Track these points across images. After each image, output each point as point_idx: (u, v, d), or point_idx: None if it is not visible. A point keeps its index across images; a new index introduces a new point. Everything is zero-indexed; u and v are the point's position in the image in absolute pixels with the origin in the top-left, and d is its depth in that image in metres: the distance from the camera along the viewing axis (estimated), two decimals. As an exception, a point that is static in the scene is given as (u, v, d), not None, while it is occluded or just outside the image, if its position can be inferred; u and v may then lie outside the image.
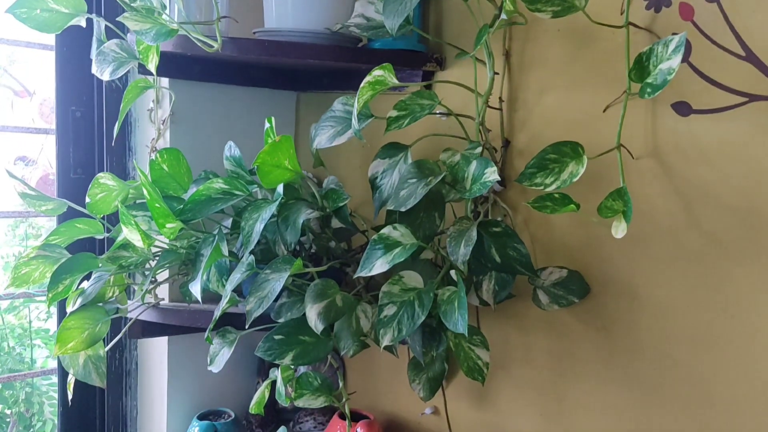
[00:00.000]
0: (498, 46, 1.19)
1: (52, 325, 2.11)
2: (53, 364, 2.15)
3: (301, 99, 1.55)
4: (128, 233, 1.09)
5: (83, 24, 1.26)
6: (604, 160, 1.03)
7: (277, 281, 1.02)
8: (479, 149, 1.11)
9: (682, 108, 0.99)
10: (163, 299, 1.30)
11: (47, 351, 2.09)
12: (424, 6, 1.27)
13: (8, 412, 1.99)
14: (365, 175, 1.44)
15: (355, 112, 1.05)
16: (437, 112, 1.23)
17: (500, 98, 1.20)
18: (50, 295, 1.18)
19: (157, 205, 1.10)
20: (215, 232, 1.20)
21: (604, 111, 1.08)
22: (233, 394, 1.48)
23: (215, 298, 1.19)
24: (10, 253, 2.21)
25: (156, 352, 1.42)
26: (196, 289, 1.03)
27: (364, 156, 1.46)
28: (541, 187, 0.98)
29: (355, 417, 1.33)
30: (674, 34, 1.00)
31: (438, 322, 1.12)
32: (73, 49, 1.39)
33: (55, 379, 2.18)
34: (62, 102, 1.40)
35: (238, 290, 1.19)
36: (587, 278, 1.11)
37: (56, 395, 2.15)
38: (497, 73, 1.17)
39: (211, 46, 1.09)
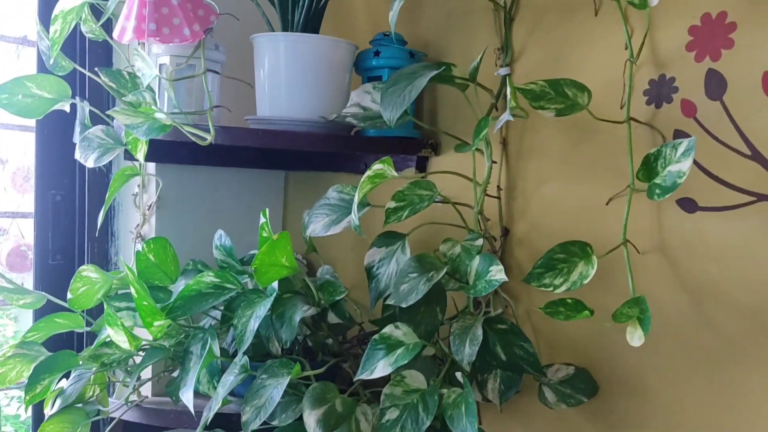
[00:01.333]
0: (495, 134, 1.18)
1: (22, 410, 2.01)
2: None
3: (290, 178, 1.52)
4: (113, 335, 1.03)
5: (67, 109, 1.23)
6: (609, 254, 1.00)
7: (274, 388, 0.97)
8: (480, 241, 1.08)
9: (688, 205, 0.98)
10: (146, 397, 1.23)
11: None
12: (419, 98, 1.25)
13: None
14: (358, 258, 1.40)
15: (355, 207, 1.02)
16: (436, 201, 1.21)
17: (498, 186, 1.18)
18: (27, 398, 1.10)
19: (144, 303, 1.05)
20: (205, 327, 1.15)
21: (607, 204, 1.06)
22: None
23: (204, 395, 1.12)
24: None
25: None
26: (187, 397, 0.97)
27: (356, 238, 1.42)
28: (550, 289, 0.95)
29: None
30: (677, 130, 1.00)
31: (442, 424, 1.07)
32: (54, 131, 1.34)
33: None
34: (42, 185, 1.35)
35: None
36: (595, 375, 1.08)
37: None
38: (495, 162, 1.15)
39: (204, 139, 1.05)
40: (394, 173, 1.05)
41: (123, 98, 1.06)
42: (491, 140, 1.13)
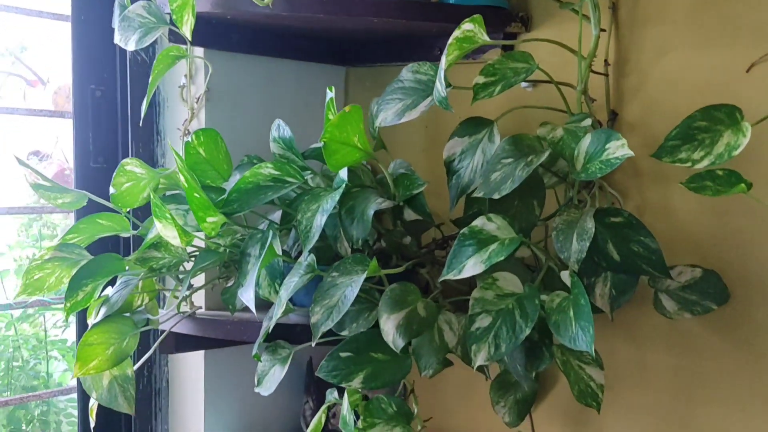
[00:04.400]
0: (604, -3, 0.98)
1: (70, 334, 1.93)
2: (73, 380, 1.97)
3: (351, 74, 1.35)
4: (162, 229, 0.89)
5: (103, -16, 1.07)
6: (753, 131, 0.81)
7: (348, 287, 0.82)
8: (588, 121, 0.91)
9: None
10: (199, 307, 1.11)
11: (65, 364, 1.91)
12: (508, -46, 1.06)
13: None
14: (430, 161, 1.24)
15: (441, 74, 0.85)
16: (526, 81, 1.03)
17: (605, 61, 0.99)
18: (68, 305, 0.98)
19: (196, 195, 0.90)
20: (262, 227, 1.01)
21: (748, 71, 0.87)
22: (278, 416, 1.28)
23: (261, 306, 0.99)
24: (23, 256, 2.03)
25: (190, 368, 1.22)
26: (248, 296, 0.83)
27: (428, 138, 1.25)
28: (688, 164, 0.77)
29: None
30: None
31: (540, 335, 0.91)
32: (91, 18, 1.19)
33: (74, 395, 2.00)
34: (80, 80, 1.21)
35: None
36: (725, 280, 0.90)
37: (76, 414, 1.97)
38: (603, 30, 0.96)
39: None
40: (486, 37, 0.87)
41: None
42: (599, 3, 0.94)
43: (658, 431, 0.98)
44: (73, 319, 1.95)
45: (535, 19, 1.08)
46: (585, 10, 0.95)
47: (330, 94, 0.88)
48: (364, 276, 0.81)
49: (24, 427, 1.75)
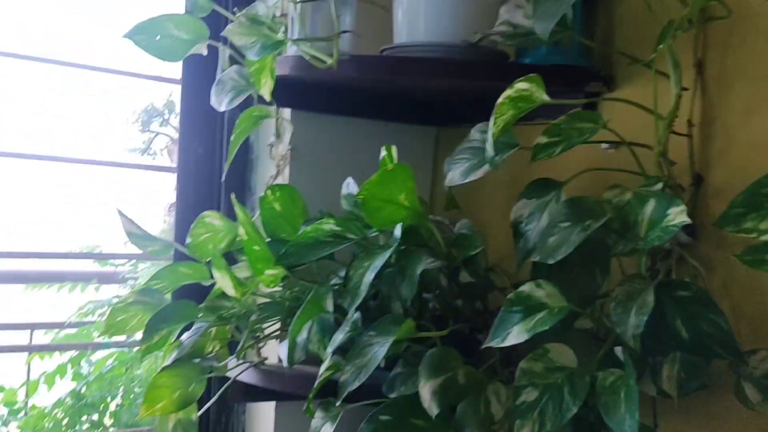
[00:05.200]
0: (687, 55, 0.92)
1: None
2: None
3: (442, 135, 1.35)
4: (219, 279, 0.93)
5: (204, 52, 1.17)
6: None
7: (381, 346, 0.80)
8: (659, 185, 0.83)
9: None
10: (266, 358, 1.13)
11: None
12: (588, 11, 1.03)
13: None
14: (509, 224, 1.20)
15: (489, 135, 0.82)
16: (603, 142, 0.98)
17: (689, 122, 0.92)
18: (143, 347, 1.05)
19: (256, 247, 0.94)
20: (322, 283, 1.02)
21: None
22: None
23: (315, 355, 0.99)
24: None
25: (263, 418, 1.24)
26: (282, 350, 0.84)
27: (509, 198, 1.21)
28: (754, 234, 0.69)
29: None
30: None
31: (597, 417, 0.83)
32: (198, 80, 1.30)
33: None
34: (185, 138, 1.32)
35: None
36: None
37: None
38: (686, 89, 0.89)
39: (323, 62, 0.92)
40: (545, 96, 0.84)
41: (237, 15, 0.96)
42: (681, 61, 0.88)
43: None
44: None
45: (618, 79, 1.03)
46: (665, 68, 0.89)
47: (383, 152, 0.88)
48: (395, 336, 0.79)
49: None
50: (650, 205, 0.78)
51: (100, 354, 1.91)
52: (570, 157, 0.90)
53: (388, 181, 0.83)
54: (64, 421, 1.79)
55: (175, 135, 2.63)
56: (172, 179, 2.73)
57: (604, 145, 1.03)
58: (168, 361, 1.04)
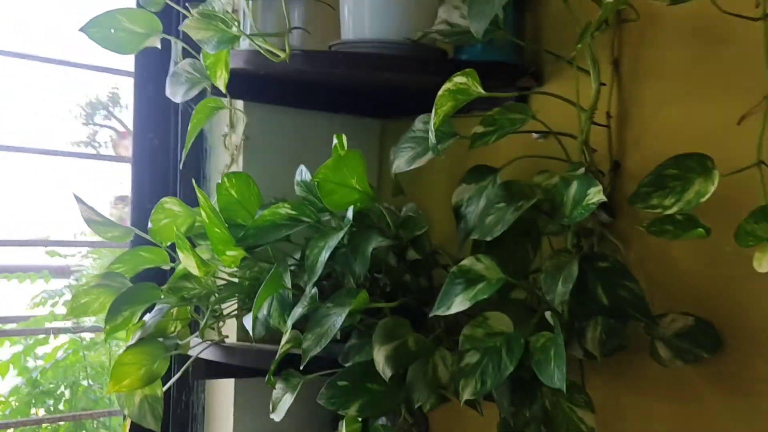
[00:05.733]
0: (605, 53, 1.03)
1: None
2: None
3: (387, 128, 1.43)
4: (184, 260, 1.00)
5: (158, 45, 1.21)
6: (737, 180, 0.83)
7: (338, 316, 0.88)
8: (582, 170, 0.94)
9: None
10: (227, 336, 1.20)
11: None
12: (519, 12, 1.13)
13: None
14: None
15: (431, 125, 0.91)
16: (533, 132, 1.08)
17: (608, 113, 1.03)
18: (107, 327, 1.09)
19: (216, 230, 1.01)
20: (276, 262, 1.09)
21: (739, 123, 0.89)
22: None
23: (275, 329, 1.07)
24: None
25: (223, 395, 1.31)
26: (248, 322, 0.91)
27: (450, 184, 1.31)
28: (659, 210, 0.80)
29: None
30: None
31: (533, 376, 0.94)
32: (151, 73, 1.34)
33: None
34: (140, 129, 1.36)
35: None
36: (722, 329, 0.90)
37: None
38: (604, 84, 1.00)
39: (278, 56, 0.99)
40: (480, 89, 0.93)
41: (193, 10, 1.02)
42: (600, 60, 0.99)
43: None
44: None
45: (546, 74, 1.13)
46: (585, 65, 0.99)
47: (335, 140, 0.96)
48: (351, 307, 0.87)
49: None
50: (573, 187, 0.89)
51: (53, 344, 1.92)
52: (504, 145, 1.00)
53: (341, 166, 0.91)
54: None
55: (120, 128, 2.63)
56: (116, 171, 2.74)
57: (535, 135, 1.14)
58: (132, 341, 1.10)
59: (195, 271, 0.99)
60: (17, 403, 1.81)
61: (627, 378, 1.01)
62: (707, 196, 0.76)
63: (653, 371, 0.98)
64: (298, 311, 0.94)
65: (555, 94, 1.00)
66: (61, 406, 1.82)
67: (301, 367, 0.90)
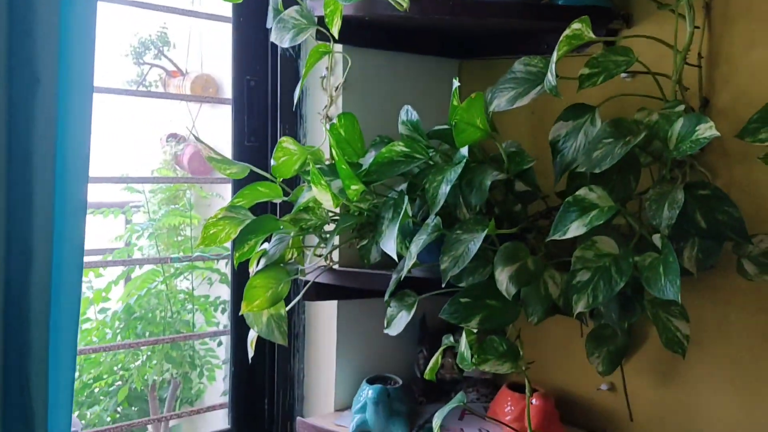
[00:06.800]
0: (698, -2, 1.11)
1: (212, 291, 2.21)
2: (210, 329, 2.25)
3: (464, 67, 1.52)
4: (318, 194, 1.10)
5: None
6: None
7: (471, 242, 1.00)
8: (681, 107, 1.04)
9: None
10: (337, 263, 1.32)
11: (203, 317, 2.19)
12: (612, -41, 1.20)
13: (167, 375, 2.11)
14: (534, 145, 1.40)
15: (552, 66, 1.00)
16: (626, 72, 1.17)
17: (699, 54, 1.12)
18: (236, 255, 1.21)
19: (343, 166, 1.11)
20: (392, 195, 1.20)
21: (829, 63, 0.98)
22: (397, 361, 1.48)
23: (388, 264, 1.18)
24: (170, 224, 2.32)
25: (324, 315, 1.44)
26: (390, 247, 1.03)
27: (532, 125, 1.41)
28: (767, 143, 0.90)
29: (521, 390, 1.30)
30: None
31: (633, 291, 1.06)
32: (248, 20, 1.42)
33: (211, 344, 2.29)
34: (238, 72, 1.44)
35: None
36: (804, 247, 1.02)
37: (213, 361, 2.25)
38: (697, 27, 1.09)
39: (401, 5, 1.07)
40: (592, 35, 1.02)
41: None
42: (693, 3, 1.07)
43: (736, 380, 1.11)
44: (216, 278, 2.23)
45: (635, 17, 1.22)
46: (681, 10, 1.08)
47: (456, 83, 1.06)
48: (485, 233, 0.98)
49: (177, 367, 2.04)
50: (679, 123, 0.99)
51: (136, 273, 2.05)
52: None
53: (472, 107, 1.00)
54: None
55: (171, 67, 2.68)
56: (163, 111, 2.80)
57: (623, 75, 1.23)
58: (260, 266, 1.21)
59: (328, 204, 1.10)
60: (119, 328, 1.95)
61: (710, 292, 1.14)
62: (812, 131, 0.86)
63: (734, 286, 1.10)
64: (423, 238, 1.05)
65: (653, 36, 1.08)
66: (153, 331, 1.96)
67: (443, 285, 1.02)
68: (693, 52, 1.12)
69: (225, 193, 2.40)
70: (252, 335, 1.25)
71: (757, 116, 0.91)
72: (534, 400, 1.25)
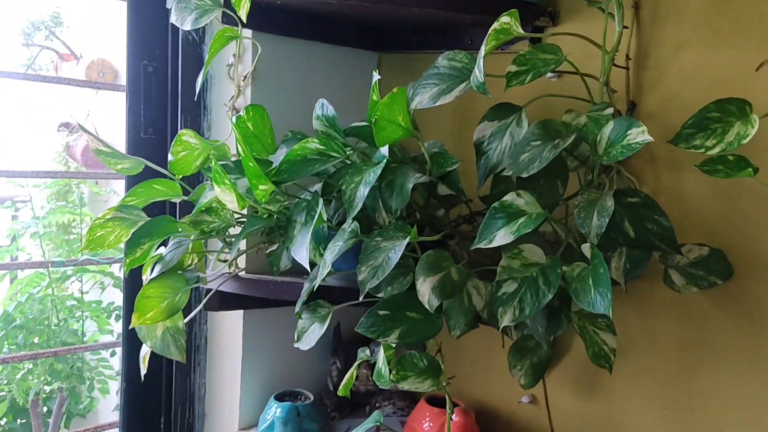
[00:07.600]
0: (627, -3, 1.07)
1: (105, 296, 2.03)
2: (103, 338, 2.07)
3: (383, 60, 1.44)
4: (221, 194, 0.98)
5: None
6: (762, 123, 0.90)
7: (392, 250, 0.91)
8: (609, 110, 0.99)
9: None
10: (242, 269, 1.20)
11: (95, 325, 2.01)
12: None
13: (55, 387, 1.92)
14: (457, 144, 1.33)
15: (480, 62, 0.93)
16: (553, 72, 1.12)
17: (627, 56, 1.08)
18: (128, 260, 1.08)
19: (250, 164, 1.00)
20: (304, 197, 1.10)
21: (757, 70, 0.95)
22: (308, 373, 1.38)
23: (299, 271, 1.08)
24: (60, 221, 2.12)
25: (229, 326, 1.32)
26: (301, 255, 0.92)
27: (455, 123, 1.34)
28: (701, 150, 0.86)
29: (440, 404, 1.23)
30: None
31: (560, 302, 1.01)
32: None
33: (104, 354, 2.11)
34: (134, 56, 1.30)
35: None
36: (729, 258, 0.99)
37: (106, 372, 2.07)
38: (626, 27, 1.05)
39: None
40: (520, 30, 0.96)
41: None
42: (623, 2, 1.03)
43: (661, 393, 1.08)
44: (110, 281, 2.05)
45: (562, 15, 1.16)
46: (610, 9, 1.03)
47: (376, 76, 0.97)
48: (407, 241, 0.90)
49: (62, 380, 1.85)
50: (609, 127, 0.94)
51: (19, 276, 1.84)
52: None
53: (393, 103, 0.92)
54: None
55: (63, 50, 2.46)
56: (55, 98, 2.58)
57: (549, 75, 1.18)
58: (155, 274, 1.08)
59: (233, 206, 0.98)
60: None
61: (636, 303, 1.10)
62: (748, 139, 0.82)
63: (661, 297, 1.07)
64: (339, 245, 0.96)
65: (582, 35, 1.03)
66: (36, 340, 1.77)
67: (361, 298, 0.93)
68: (621, 53, 1.07)
69: (122, 191, 2.22)
70: (145, 351, 1.12)
71: (692, 122, 0.87)
72: (454, 416, 1.18)
